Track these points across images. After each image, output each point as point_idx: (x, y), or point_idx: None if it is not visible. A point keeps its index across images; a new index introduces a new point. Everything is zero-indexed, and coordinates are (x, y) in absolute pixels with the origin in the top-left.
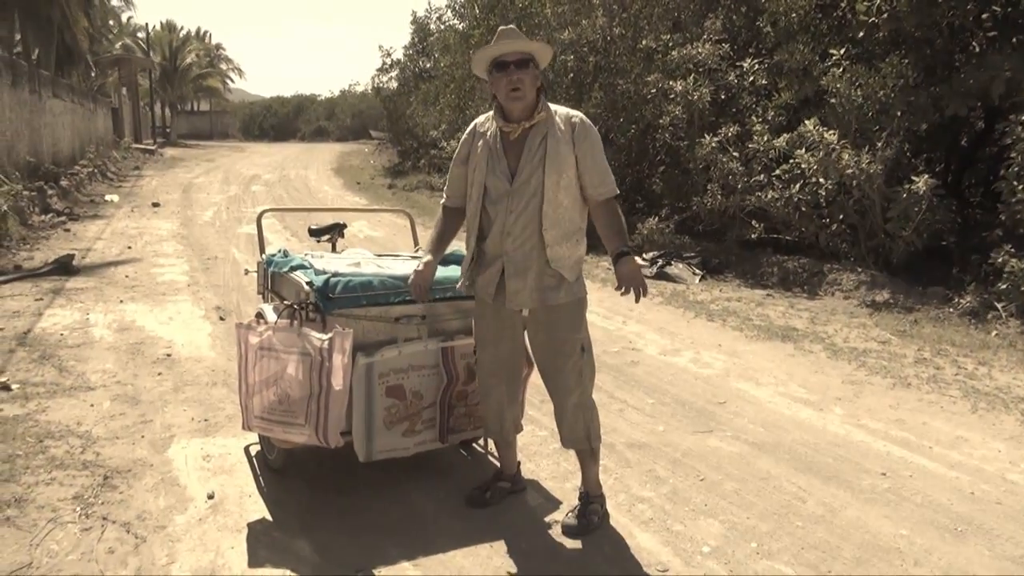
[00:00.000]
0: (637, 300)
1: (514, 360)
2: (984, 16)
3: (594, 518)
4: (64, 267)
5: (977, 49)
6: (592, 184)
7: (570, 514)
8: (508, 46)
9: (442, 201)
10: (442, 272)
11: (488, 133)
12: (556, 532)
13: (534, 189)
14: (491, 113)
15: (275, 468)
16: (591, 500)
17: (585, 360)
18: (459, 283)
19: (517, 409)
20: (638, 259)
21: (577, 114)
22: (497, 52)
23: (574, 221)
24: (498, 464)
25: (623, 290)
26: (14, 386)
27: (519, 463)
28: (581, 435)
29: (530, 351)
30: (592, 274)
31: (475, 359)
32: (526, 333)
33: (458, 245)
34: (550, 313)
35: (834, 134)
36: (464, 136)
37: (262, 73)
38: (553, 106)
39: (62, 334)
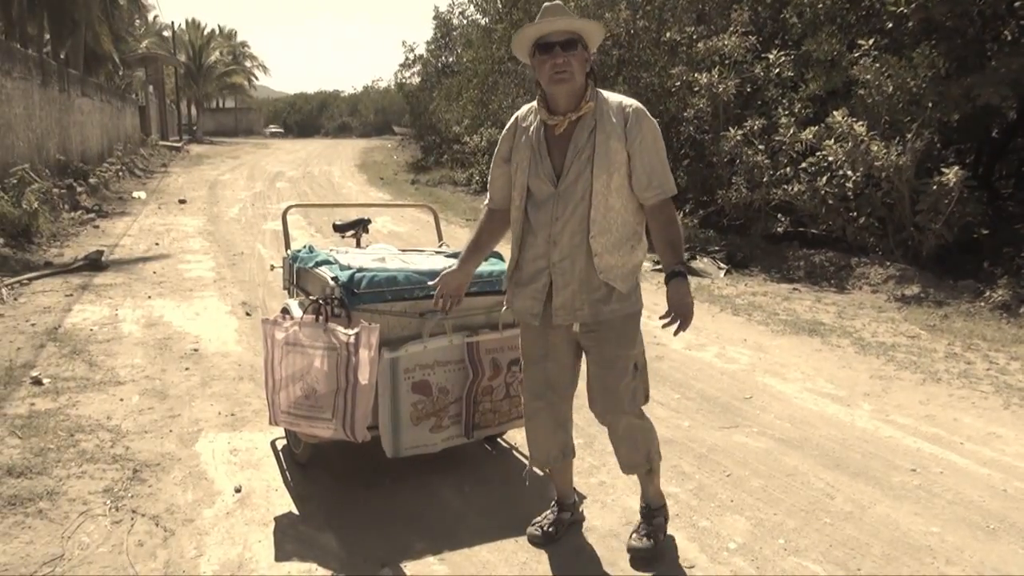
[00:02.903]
0: (676, 333)
1: (563, 381)
2: (1017, 4)
3: (661, 535)
4: (93, 263)
5: (1009, 38)
6: (639, 185)
7: (635, 535)
8: (552, 24)
9: (485, 202)
10: None
11: (531, 128)
12: (582, 527)
13: (581, 192)
14: (534, 104)
15: (301, 462)
16: (654, 513)
17: (639, 379)
18: (504, 298)
19: (565, 435)
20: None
21: (632, 102)
22: (540, 32)
23: (628, 225)
24: (531, 467)
25: (668, 319)
26: (45, 380)
27: (574, 489)
28: (640, 459)
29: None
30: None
31: (520, 378)
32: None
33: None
34: (600, 327)
35: (863, 125)
36: (505, 131)
37: (286, 70)
38: (606, 93)
39: (92, 329)
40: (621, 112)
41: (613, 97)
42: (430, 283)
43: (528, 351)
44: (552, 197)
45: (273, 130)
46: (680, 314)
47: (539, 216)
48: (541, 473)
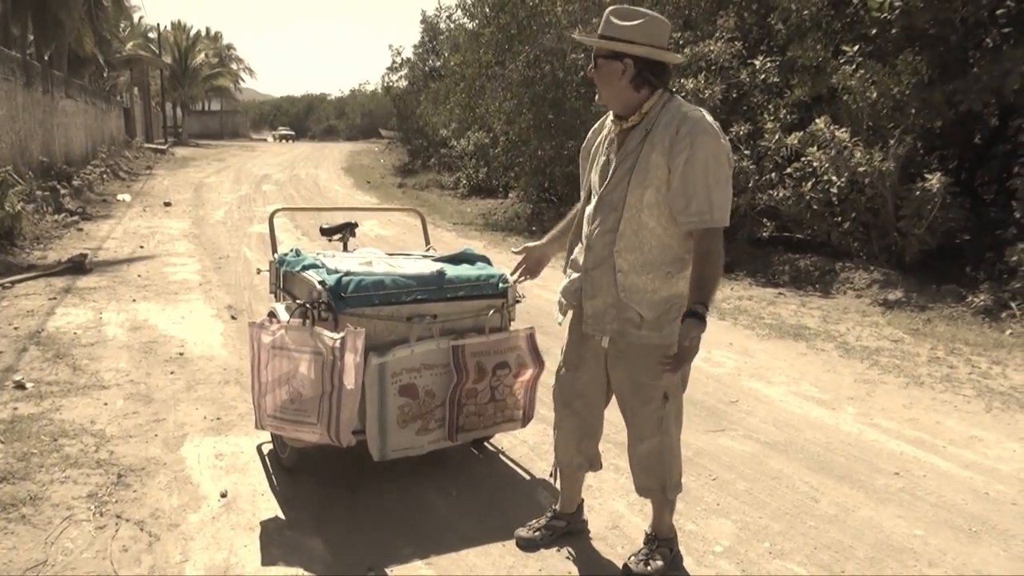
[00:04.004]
0: (664, 370)
1: (593, 393)
2: (999, 12)
3: (660, 563)
4: (77, 266)
5: (991, 45)
6: (675, 206)
7: (633, 558)
8: (589, 38)
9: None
10: (454, 271)
11: (607, 127)
12: (588, 537)
13: (616, 202)
14: None
15: (287, 466)
16: (659, 543)
17: (668, 409)
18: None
19: (591, 446)
20: None
21: (694, 115)
22: (588, 43)
23: (667, 250)
24: (556, 467)
25: (667, 363)
26: (28, 385)
27: (582, 501)
28: (653, 485)
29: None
30: None
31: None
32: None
33: (469, 244)
34: (630, 351)
35: (846, 132)
36: (595, 127)
37: (272, 73)
38: (679, 104)
39: (75, 333)
40: (675, 124)
41: (681, 109)
42: (514, 251)
43: (565, 357)
44: (597, 201)
45: (283, 132)
46: (679, 357)
47: (587, 217)
48: (551, 479)
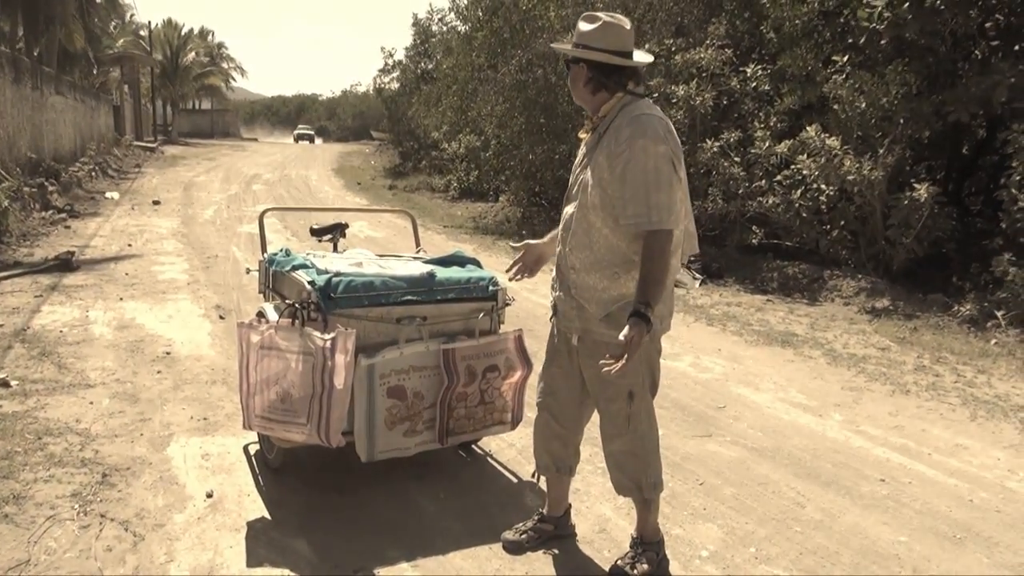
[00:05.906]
0: (605, 370)
1: (563, 393)
2: (987, 25)
3: (646, 567)
4: (64, 264)
5: (979, 57)
6: (617, 210)
7: (619, 561)
8: (558, 44)
9: None
10: (444, 273)
11: None
12: (574, 541)
13: (573, 201)
14: None
15: (274, 467)
16: (645, 547)
17: (635, 408)
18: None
19: (561, 448)
20: None
21: (640, 119)
22: (556, 49)
23: (615, 250)
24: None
25: (610, 356)
26: (13, 382)
27: (569, 506)
28: (628, 484)
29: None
30: None
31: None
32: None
33: (459, 247)
34: (596, 348)
35: (836, 140)
36: None
37: (264, 72)
38: (637, 108)
39: (61, 331)
40: (622, 127)
41: (634, 112)
42: (513, 245)
43: (545, 352)
44: (565, 200)
45: (301, 131)
46: (618, 355)
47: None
48: (537, 479)
